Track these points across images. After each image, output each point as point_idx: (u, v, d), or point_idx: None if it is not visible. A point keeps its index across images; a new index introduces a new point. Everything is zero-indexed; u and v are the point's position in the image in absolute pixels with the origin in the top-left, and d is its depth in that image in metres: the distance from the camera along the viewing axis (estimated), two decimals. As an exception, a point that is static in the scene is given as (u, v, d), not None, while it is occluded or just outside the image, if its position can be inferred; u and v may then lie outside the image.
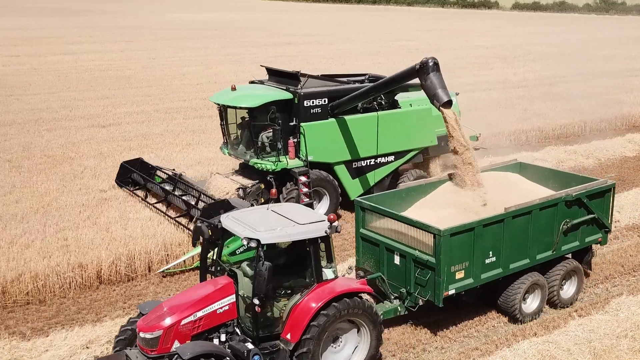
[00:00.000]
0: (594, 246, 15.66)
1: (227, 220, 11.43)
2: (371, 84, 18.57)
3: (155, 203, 19.06)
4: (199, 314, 10.86)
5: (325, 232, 11.15)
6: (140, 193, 19.99)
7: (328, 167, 19.20)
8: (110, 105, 35.64)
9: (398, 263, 13.45)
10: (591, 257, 15.61)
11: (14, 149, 26.39)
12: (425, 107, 20.31)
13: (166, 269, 16.10)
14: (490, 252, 13.31)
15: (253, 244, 10.65)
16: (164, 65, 51.37)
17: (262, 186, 18.56)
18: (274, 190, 13.91)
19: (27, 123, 31.09)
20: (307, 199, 18.26)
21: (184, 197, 18.42)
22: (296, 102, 18.40)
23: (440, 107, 15.30)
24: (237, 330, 11.32)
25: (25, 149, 26.34)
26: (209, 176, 20.44)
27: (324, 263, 11.55)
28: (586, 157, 26.94)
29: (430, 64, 15.82)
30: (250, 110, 18.26)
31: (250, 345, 10.96)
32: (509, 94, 39.80)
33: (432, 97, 15.59)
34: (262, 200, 18.41)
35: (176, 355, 10.13)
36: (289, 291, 11.41)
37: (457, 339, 13.57)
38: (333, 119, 18.95)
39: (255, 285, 10.60)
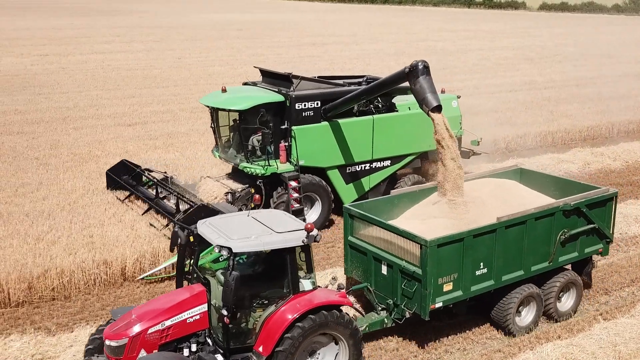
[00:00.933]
0: (594, 257, 15.08)
1: (203, 227, 11.13)
2: (363, 87, 18.12)
3: (145, 212, 18.58)
4: (168, 322, 10.56)
5: (303, 242, 10.78)
6: (129, 197, 19.69)
7: (321, 172, 18.77)
8: (136, 104, 35.96)
9: (385, 273, 13.02)
10: (591, 269, 15.04)
11: (42, 146, 26.80)
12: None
13: (146, 276, 15.76)
14: (482, 264, 12.81)
15: (225, 252, 10.36)
16: (191, 65, 51.62)
17: (252, 191, 18.18)
18: (257, 196, 13.46)
19: (55, 121, 31.56)
20: (298, 205, 17.86)
21: (168, 202, 18.24)
22: (288, 104, 18.02)
23: (429, 112, 14.78)
24: (209, 341, 11.00)
25: (52, 147, 26.73)
26: (199, 180, 20.09)
27: (302, 273, 11.22)
28: (613, 159, 26.56)
29: (420, 67, 15.35)
30: (240, 112, 17.86)
31: (219, 358, 10.66)
32: (535, 96, 39.42)
33: (421, 102, 15.11)
34: (252, 206, 17.84)
35: None
36: (266, 302, 11.05)
37: (479, 341, 13.43)
38: (326, 123, 18.52)
39: (222, 296, 10.27)
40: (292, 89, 18.23)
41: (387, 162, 19.81)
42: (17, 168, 23.65)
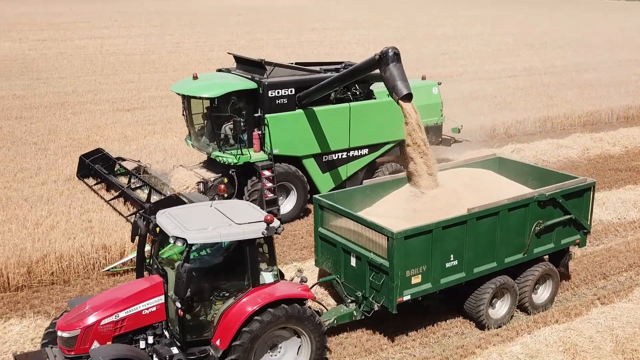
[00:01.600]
0: (572, 248, 14.80)
1: (162, 217, 10.93)
2: (335, 75, 17.63)
3: (112, 199, 18.29)
4: (122, 314, 10.36)
5: (263, 234, 10.54)
6: (100, 187, 19.37)
7: (296, 161, 18.37)
8: (135, 89, 35.88)
9: (354, 265, 12.77)
10: (568, 260, 14.71)
11: (40, 131, 26.84)
12: None
13: (112, 268, 15.49)
14: (452, 256, 12.53)
15: (180, 244, 10.16)
16: (189, 50, 51.44)
17: (225, 180, 17.87)
18: (222, 186, 13.19)
19: (53, 106, 31.56)
20: (272, 195, 17.54)
21: (141, 192, 17.91)
22: (261, 92, 17.59)
23: (399, 101, 14.42)
24: (166, 333, 10.80)
25: (51, 132, 26.75)
26: (172, 168, 19.74)
27: (264, 266, 11.02)
28: (613, 144, 26.50)
29: (390, 54, 14.93)
30: (211, 100, 17.52)
31: (175, 350, 10.47)
32: (535, 81, 39.30)
33: (391, 90, 14.76)
34: (225, 195, 17.77)
35: (89, 359, 9.69)
36: (226, 294, 10.84)
37: (453, 333, 13.32)
38: (301, 110, 18.08)
39: (174, 288, 10.07)
40: (265, 75, 17.81)
41: (365, 151, 19.40)
42: (15, 153, 23.70)
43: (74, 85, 36.47)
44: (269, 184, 17.56)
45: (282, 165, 17.99)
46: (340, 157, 19.00)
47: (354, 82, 17.94)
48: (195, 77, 18.18)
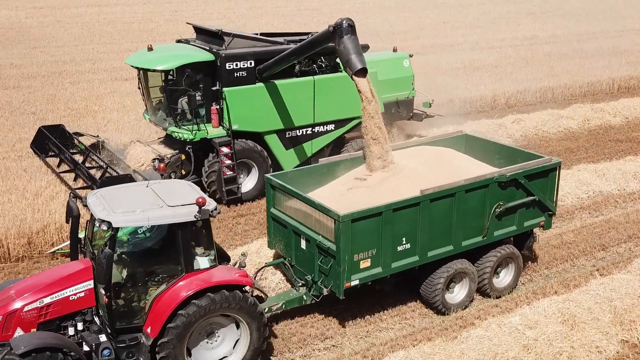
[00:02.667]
0: (536, 230, 14.26)
1: (92, 198, 10.46)
2: (291, 47, 16.72)
3: (63, 172, 17.76)
4: (47, 300, 9.92)
5: (195, 217, 10.05)
6: (53, 162, 18.77)
7: (257, 137, 17.62)
8: (133, 58, 35.49)
9: (304, 248, 12.25)
10: (532, 243, 14.13)
11: (39, 101, 26.66)
12: (371, 72, 18.63)
13: (58, 249, 14.98)
14: (404, 239, 11.99)
15: (105, 227, 9.71)
16: (187, 18, 50.85)
17: (183, 157, 17.18)
18: (162, 165, 12.71)
19: (51, 75, 31.28)
20: (231, 172, 16.89)
21: (91, 170, 17.10)
22: (219, 64, 16.81)
23: (353, 76, 13.74)
24: (96, 320, 10.37)
25: (49, 102, 26.58)
26: (129, 144, 19.12)
27: (201, 250, 10.56)
28: (613, 115, 26.38)
29: (345, 25, 14.15)
30: (166, 73, 16.82)
31: (103, 338, 10.09)
32: (537, 51, 38.95)
33: (345, 64, 14.06)
34: (183, 173, 17.20)
35: (8, 348, 9.25)
36: (160, 280, 10.43)
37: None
38: (261, 84, 17.28)
39: (95, 274, 9.69)
40: (224, 47, 17.02)
41: (331, 127, 18.66)
42: (14, 123, 23.55)
43: (71, 55, 36.19)
44: (228, 162, 16.87)
45: (242, 142, 17.26)
46: (304, 133, 18.27)
47: (315, 54, 17.01)
48: (150, 49, 17.38)
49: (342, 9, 56.15)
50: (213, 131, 17.02)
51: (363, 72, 13.73)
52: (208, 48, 17.26)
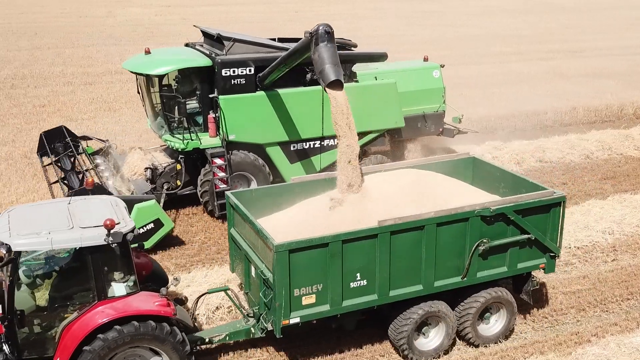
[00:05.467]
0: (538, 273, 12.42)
1: (2, 217, 9.81)
2: (282, 55, 15.34)
3: (54, 183, 16.84)
4: None
5: (106, 241, 9.24)
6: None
7: (259, 149, 16.45)
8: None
9: (254, 276, 11.11)
10: (531, 287, 12.20)
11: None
12: (388, 82, 17.31)
13: None
14: (358, 275, 10.58)
15: (3, 250, 9.06)
16: (308, 19, 48.89)
17: (178, 167, 16.26)
18: (89, 179, 11.70)
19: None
20: (224, 185, 15.78)
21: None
22: (216, 70, 15.84)
23: (326, 88, 12.40)
24: (5, 348, 9.58)
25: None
26: (128, 151, 18.41)
27: (119, 275, 9.74)
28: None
29: (321, 32, 12.85)
30: (159, 78, 15.98)
31: None
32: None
33: (319, 75, 12.75)
34: (179, 184, 16.33)
35: None
36: (71, 308, 9.75)
37: (595, 314, 12.79)
38: (262, 93, 16.11)
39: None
40: (224, 52, 16.01)
41: None
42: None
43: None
44: (221, 174, 15.85)
45: (240, 153, 16.18)
46: (312, 146, 16.91)
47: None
48: (147, 52, 16.67)
49: (463, 11, 53.97)
50: (207, 141, 16.09)
51: (338, 84, 12.41)
52: (208, 53, 16.37)
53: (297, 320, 10.48)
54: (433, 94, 18.54)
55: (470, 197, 12.02)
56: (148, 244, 14.51)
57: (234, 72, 15.81)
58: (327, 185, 12.51)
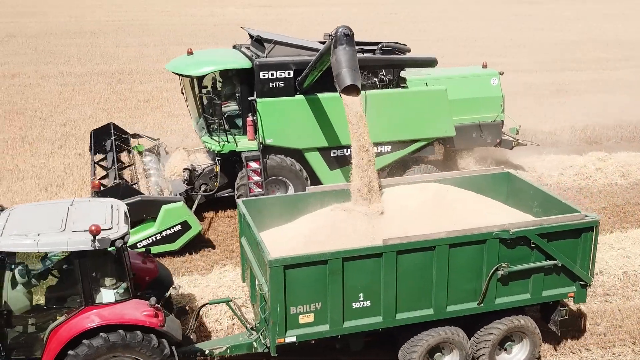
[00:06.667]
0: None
1: (2, 216, 9.77)
2: (312, 60, 14.79)
3: (101, 178, 16.67)
4: None
5: (93, 247, 9.03)
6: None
7: (297, 154, 16.00)
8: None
9: (257, 289, 10.67)
10: (559, 317, 11.19)
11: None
12: (438, 89, 16.47)
13: None
14: (361, 295, 9.99)
15: None
16: (403, 21, 49.82)
17: (217, 169, 16.04)
18: (96, 182, 11.53)
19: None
20: (259, 189, 15.43)
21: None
22: (255, 73, 15.49)
23: (341, 94, 11.91)
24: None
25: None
26: (174, 150, 18.37)
27: (110, 281, 9.52)
28: None
29: (339, 34, 12.39)
30: (197, 79, 15.78)
31: None
32: None
33: (335, 79, 12.27)
34: (216, 185, 16.10)
35: None
36: (59, 310, 9.64)
37: (629, 352, 11.72)
38: (302, 97, 15.63)
39: None
40: (264, 54, 15.68)
41: (387, 148, 16.45)
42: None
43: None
44: (256, 178, 15.52)
45: (277, 158, 15.84)
46: None
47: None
48: (190, 53, 16.58)
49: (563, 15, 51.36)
50: (244, 144, 15.84)
51: (353, 90, 11.87)
52: (250, 55, 16.11)
53: (294, 339, 9.98)
54: (490, 102, 17.53)
55: (494, 216, 11.17)
56: (175, 246, 14.51)
57: (272, 74, 15.47)
58: (344, 196, 11.92)
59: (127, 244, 9.82)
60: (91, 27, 45.53)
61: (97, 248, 9.11)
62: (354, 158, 11.71)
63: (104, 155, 17.66)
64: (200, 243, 15.17)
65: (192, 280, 13.46)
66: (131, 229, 14.42)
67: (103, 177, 16.48)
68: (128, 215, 10.25)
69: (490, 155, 18.80)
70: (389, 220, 11.01)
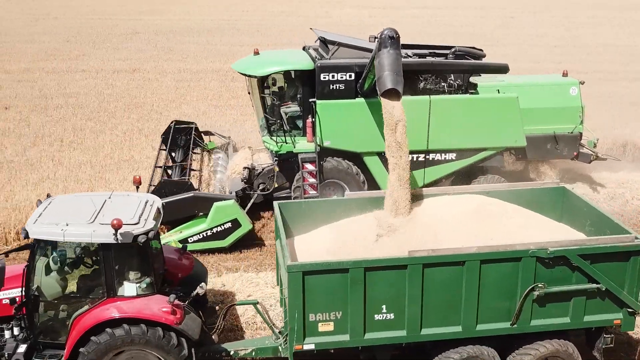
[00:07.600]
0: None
1: (45, 203, 10.16)
2: (368, 63, 14.42)
3: (159, 167, 17.09)
4: None
5: (115, 240, 9.21)
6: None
7: (356, 157, 15.71)
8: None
9: (283, 293, 10.51)
10: (603, 345, 10.39)
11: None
12: (509, 96, 15.68)
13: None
14: (384, 307, 9.65)
15: (23, 235, 9.42)
16: (520, 25, 47.86)
17: (276, 169, 15.98)
18: (137, 177, 11.59)
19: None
20: (314, 192, 15.26)
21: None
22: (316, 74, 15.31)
23: (381, 97, 11.62)
24: (16, 331, 9.90)
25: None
26: (240, 148, 18.45)
27: (135, 275, 9.66)
28: None
29: (384, 37, 12.11)
30: (261, 79, 15.77)
31: (21, 349, 9.67)
32: None
33: (377, 82, 11.98)
34: (274, 185, 16.07)
35: None
36: (83, 299, 9.86)
37: None
38: (362, 100, 15.29)
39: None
40: (328, 56, 15.48)
41: (452, 155, 15.84)
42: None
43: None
44: (311, 180, 15.38)
45: (334, 160, 15.63)
46: (415, 159, 15.70)
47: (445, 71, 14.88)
48: (256, 53, 16.64)
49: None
50: (302, 145, 15.74)
51: (394, 94, 11.55)
52: (314, 56, 15.99)
53: (312, 347, 9.78)
54: (568, 112, 16.58)
55: (538, 231, 10.54)
56: (225, 243, 14.64)
57: (333, 77, 15.29)
58: (378, 202, 11.61)
59: (151, 240, 9.81)
60: (208, 25, 46.40)
61: (118, 242, 9.28)
62: (390, 166, 11.45)
63: (176, 150, 18.18)
64: (250, 241, 15.21)
65: (232, 279, 13.51)
66: (184, 224, 14.91)
67: (168, 167, 16.99)
68: (161, 212, 10.38)
69: (572, 168, 17.90)
70: (424, 230, 10.62)
